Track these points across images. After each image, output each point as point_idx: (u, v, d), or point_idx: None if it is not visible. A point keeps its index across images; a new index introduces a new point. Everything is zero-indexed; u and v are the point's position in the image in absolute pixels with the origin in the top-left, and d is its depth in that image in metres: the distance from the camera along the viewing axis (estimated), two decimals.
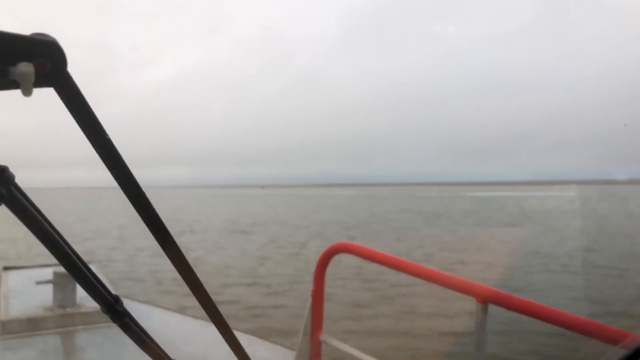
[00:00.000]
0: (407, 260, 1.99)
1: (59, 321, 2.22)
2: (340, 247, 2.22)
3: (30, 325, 2.16)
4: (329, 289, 2.27)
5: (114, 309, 2.45)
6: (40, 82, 0.44)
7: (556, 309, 1.45)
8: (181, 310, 2.86)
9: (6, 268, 2.93)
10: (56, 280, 2.31)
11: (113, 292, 2.38)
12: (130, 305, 2.55)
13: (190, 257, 0.64)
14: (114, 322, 2.42)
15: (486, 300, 1.60)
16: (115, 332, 2.32)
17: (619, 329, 1.24)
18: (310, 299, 2.24)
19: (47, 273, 2.37)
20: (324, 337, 2.18)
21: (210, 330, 2.41)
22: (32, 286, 2.36)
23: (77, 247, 0.63)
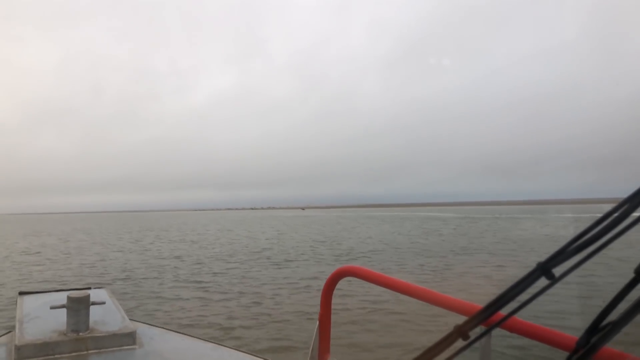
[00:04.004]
0: (413, 284, 1.99)
1: (72, 345, 2.24)
2: (347, 270, 2.23)
3: (44, 350, 2.19)
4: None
5: (127, 334, 2.52)
6: None
7: (560, 332, 1.44)
8: (192, 332, 2.87)
9: (21, 293, 2.99)
10: (70, 305, 2.34)
11: (126, 316, 2.45)
12: (142, 329, 2.58)
13: None
14: (127, 346, 2.48)
15: (491, 323, 1.59)
16: (128, 356, 2.34)
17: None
18: (317, 322, 2.26)
19: (62, 298, 2.41)
20: None
21: (222, 353, 2.42)
22: (47, 311, 2.40)
23: None
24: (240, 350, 2.51)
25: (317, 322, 2.27)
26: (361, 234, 37.97)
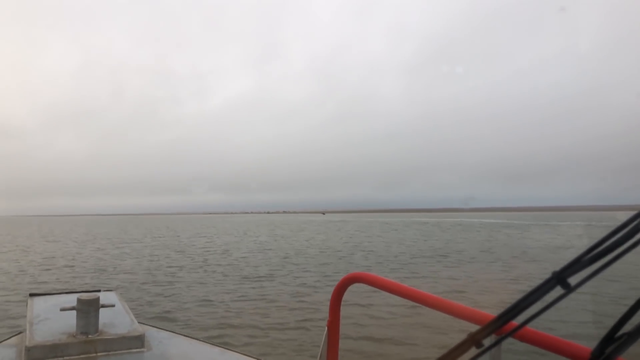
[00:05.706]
0: (422, 291, 1.96)
1: (81, 348, 2.26)
2: (356, 277, 2.21)
3: (54, 352, 2.21)
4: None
5: (135, 337, 2.54)
6: None
7: (571, 342, 1.41)
8: (201, 336, 2.87)
9: (32, 295, 3.02)
10: (80, 307, 2.36)
11: (134, 319, 2.46)
12: (151, 332, 2.58)
13: None
14: (135, 349, 2.48)
15: (502, 332, 1.56)
16: (137, 359, 2.34)
17: None
18: (326, 329, 2.23)
19: (72, 300, 2.43)
20: None
21: (229, 357, 2.41)
22: (57, 313, 2.42)
23: None
24: (247, 355, 2.50)
25: (326, 329, 2.25)
26: (467, 246, 30.00)
